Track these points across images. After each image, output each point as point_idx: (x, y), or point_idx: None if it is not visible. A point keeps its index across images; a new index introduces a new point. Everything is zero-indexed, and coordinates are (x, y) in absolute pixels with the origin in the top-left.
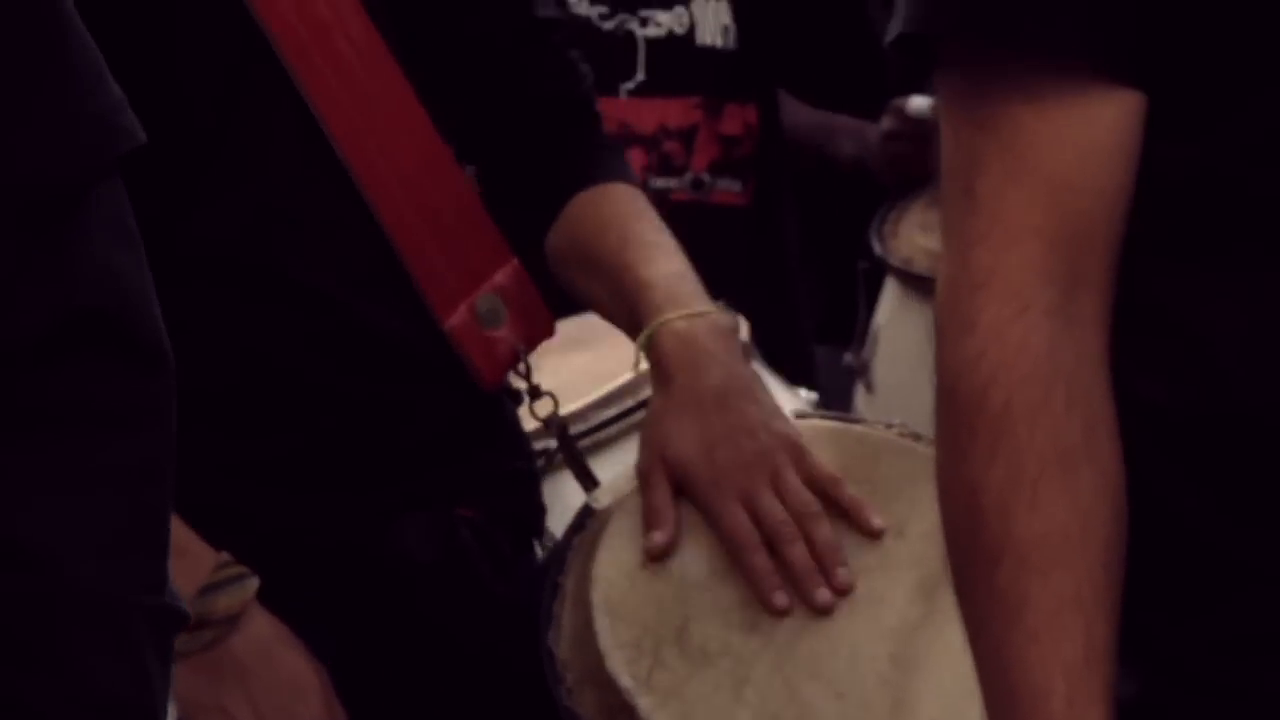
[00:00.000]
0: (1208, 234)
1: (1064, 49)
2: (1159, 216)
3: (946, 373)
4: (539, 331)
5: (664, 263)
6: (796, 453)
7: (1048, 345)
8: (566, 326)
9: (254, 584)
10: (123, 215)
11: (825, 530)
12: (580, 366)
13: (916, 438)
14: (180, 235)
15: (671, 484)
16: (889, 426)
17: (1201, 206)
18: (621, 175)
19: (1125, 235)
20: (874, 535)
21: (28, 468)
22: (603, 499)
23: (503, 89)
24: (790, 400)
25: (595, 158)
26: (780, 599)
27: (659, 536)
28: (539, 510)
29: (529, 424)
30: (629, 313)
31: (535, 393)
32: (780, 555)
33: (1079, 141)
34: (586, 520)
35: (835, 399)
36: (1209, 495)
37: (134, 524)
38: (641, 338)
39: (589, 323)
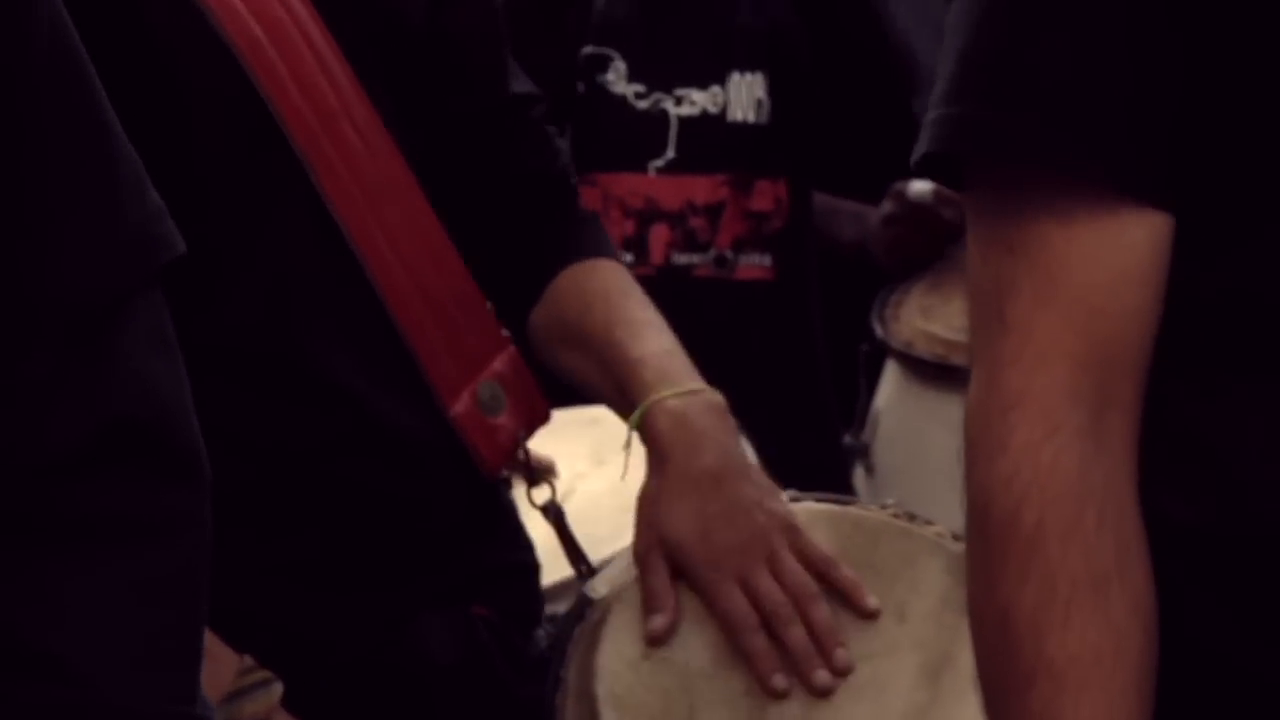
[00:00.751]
0: (1232, 354)
1: (1097, 171)
2: (1184, 336)
3: (979, 493)
4: (537, 417)
5: (653, 340)
6: (792, 533)
7: (1079, 466)
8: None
9: (279, 689)
10: (162, 325)
11: (823, 611)
12: (606, 490)
13: (911, 518)
14: (197, 328)
15: (669, 566)
16: (883, 507)
17: (1226, 327)
18: (604, 251)
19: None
20: (869, 616)
21: (63, 579)
22: (600, 588)
23: (482, 167)
24: None
25: (576, 234)
26: (779, 681)
27: (660, 620)
28: (540, 602)
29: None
30: (618, 390)
31: (533, 479)
32: (779, 636)
33: (1110, 264)
34: (585, 610)
35: (835, 480)
36: (1231, 615)
37: (167, 636)
38: (634, 417)
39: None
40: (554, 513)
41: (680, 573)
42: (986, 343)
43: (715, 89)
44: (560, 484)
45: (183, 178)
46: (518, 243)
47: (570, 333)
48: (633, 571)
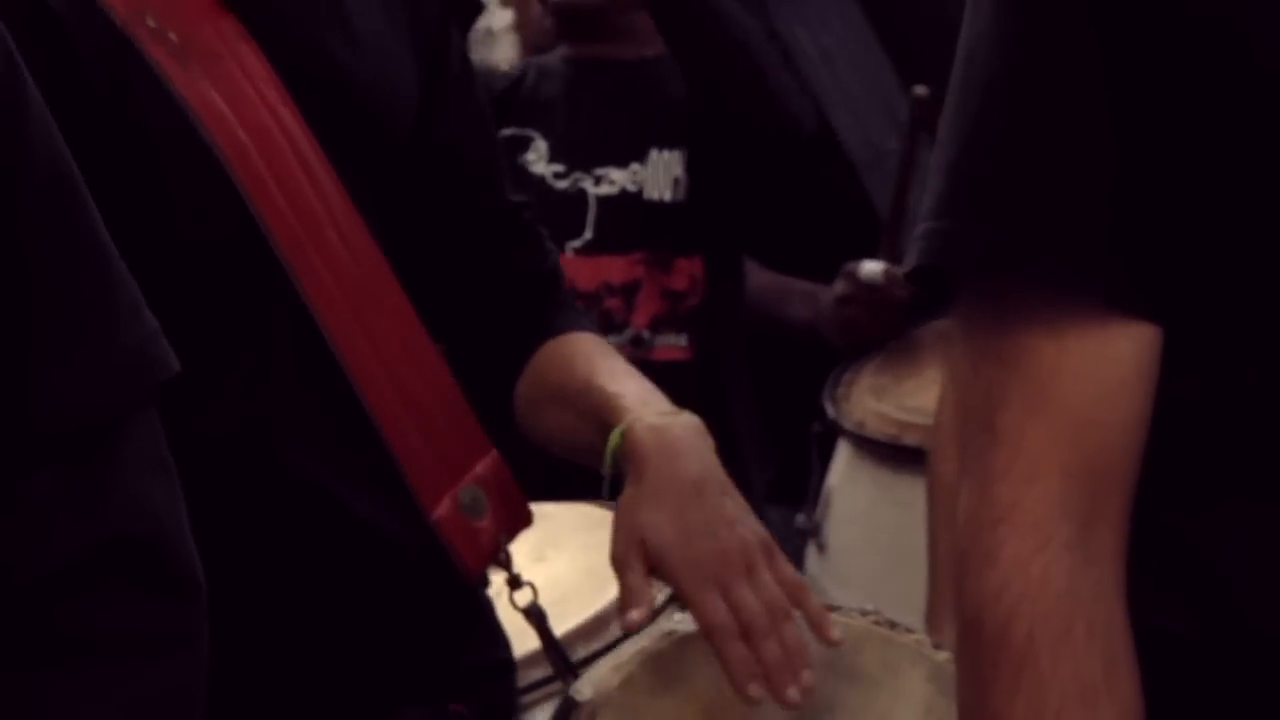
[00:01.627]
0: (1222, 467)
1: (1086, 285)
2: (1173, 448)
3: (970, 605)
4: (518, 522)
5: (633, 382)
6: (769, 552)
7: (1068, 579)
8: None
9: None
10: (157, 444)
11: (795, 630)
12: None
13: (892, 625)
14: (178, 429)
15: (647, 568)
16: (864, 614)
17: (1214, 439)
18: (584, 326)
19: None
20: (833, 644)
21: (61, 695)
22: (585, 691)
23: (474, 272)
24: None
25: (557, 313)
26: (755, 690)
27: (636, 614)
28: (516, 698)
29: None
30: (599, 428)
31: (515, 582)
32: (754, 648)
33: (1101, 376)
34: (570, 713)
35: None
36: None
37: None
38: (614, 434)
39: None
40: (536, 615)
41: (660, 575)
42: (977, 454)
43: (635, 166)
44: (495, 577)
45: (164, 278)
46: (503, 330)
47: (552, 392)
48: (618, 676)
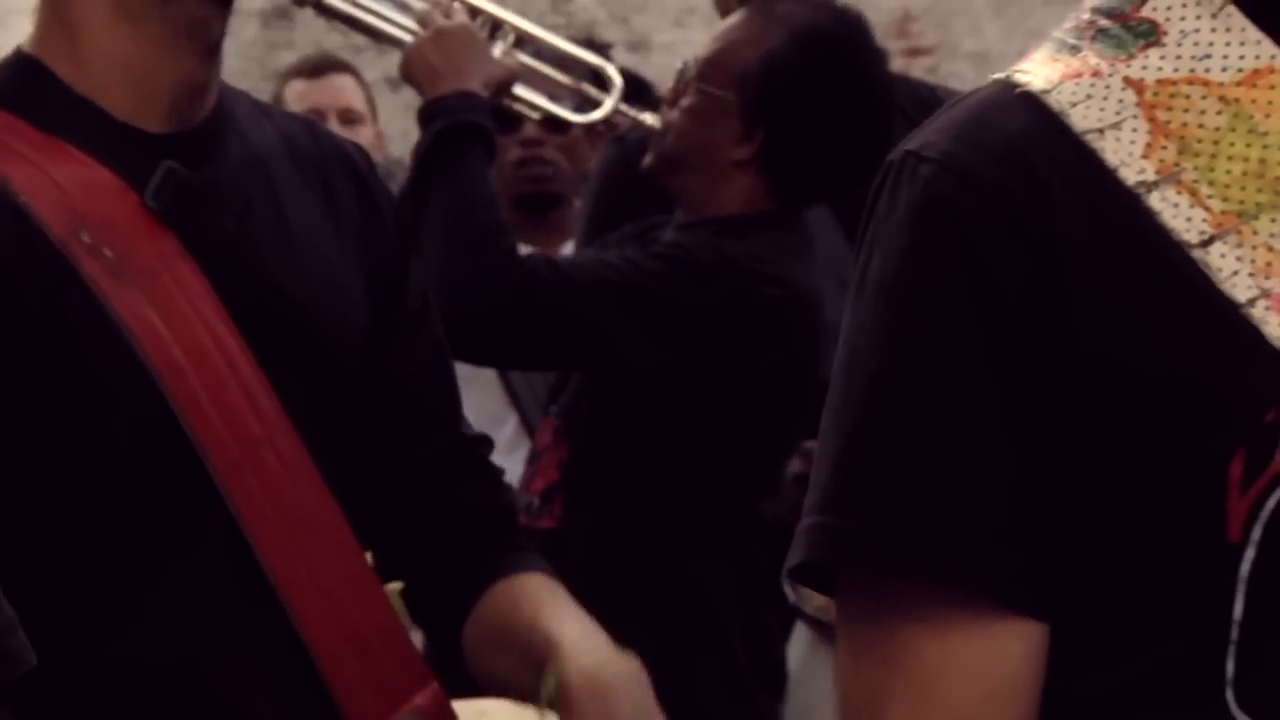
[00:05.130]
0: None
1: (973, 582)
2: None
3: None
4: None
5: (574, 624)
6: None
7: None
8: None
9: None
10: None
11: None
12: None
13: None
14: (103, 650)
15: None
16: None
17: None
18: (537, 568)
19: None
20: None
21: None
22: None
23: (427, 508)
24: None
25: (511, 556)
26: None
27: None
28: None
29: None
30: (537, 668)
31: None
32: None
33: (987, 677)
34: None
35: None
36: None
37: None
38: (548, 677)
39: None
40: None
41: None
42: None
43: None
44: None
45: (96, 497)
46: (454, 571)
47: (497, 633)
48: None
